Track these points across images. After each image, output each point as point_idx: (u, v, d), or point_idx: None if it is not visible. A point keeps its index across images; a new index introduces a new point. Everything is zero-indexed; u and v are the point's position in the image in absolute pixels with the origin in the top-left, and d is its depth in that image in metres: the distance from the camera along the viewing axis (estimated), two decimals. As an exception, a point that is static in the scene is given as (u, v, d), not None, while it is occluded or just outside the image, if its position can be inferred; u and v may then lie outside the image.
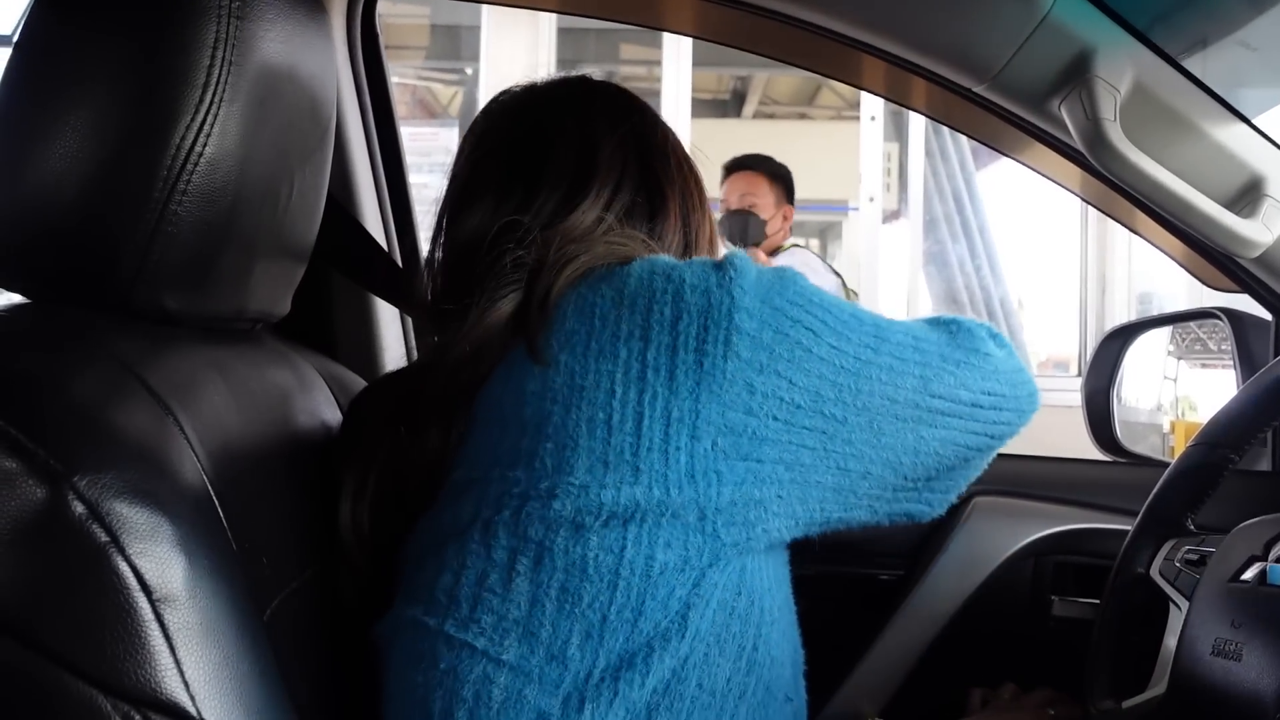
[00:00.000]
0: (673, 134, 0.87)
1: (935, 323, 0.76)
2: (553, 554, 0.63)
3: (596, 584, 0.62)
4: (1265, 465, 1.25)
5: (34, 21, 0.63)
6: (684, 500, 0.63)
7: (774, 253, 2.81)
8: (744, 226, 2.79)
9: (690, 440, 0.63)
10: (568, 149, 0.79)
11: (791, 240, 2.92)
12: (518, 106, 0.85)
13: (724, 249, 2.56)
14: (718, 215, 2.77)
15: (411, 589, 0.68)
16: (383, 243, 1.16)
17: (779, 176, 2.86)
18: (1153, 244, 1.15)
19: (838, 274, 2.85)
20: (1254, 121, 0.91)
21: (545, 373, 0.65)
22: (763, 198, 2.82)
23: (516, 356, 0.68)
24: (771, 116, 6.73)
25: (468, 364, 0.69)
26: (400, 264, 1.21)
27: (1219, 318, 1.26)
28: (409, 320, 1.21)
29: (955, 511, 1.28)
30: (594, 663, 0.63)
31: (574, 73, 0.87)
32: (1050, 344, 5.39)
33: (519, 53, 4.31)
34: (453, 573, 0.65)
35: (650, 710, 0.63)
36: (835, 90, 6.00)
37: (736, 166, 2.88)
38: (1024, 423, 0.79)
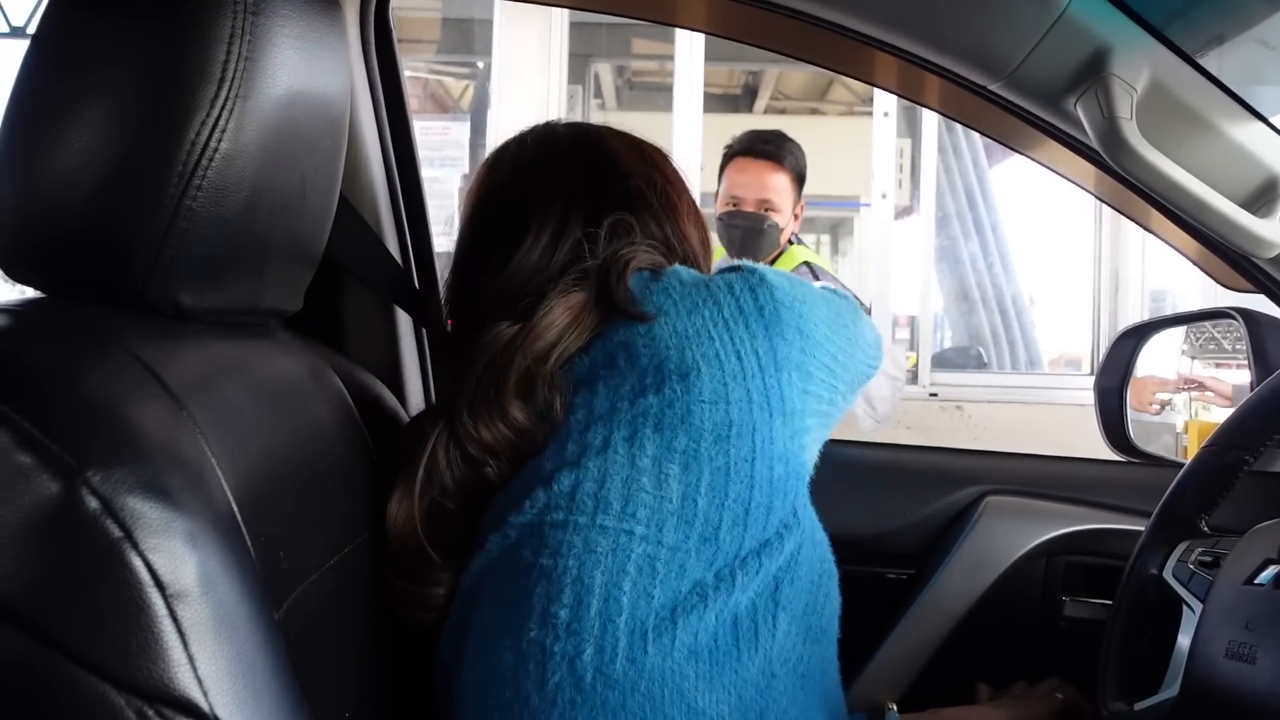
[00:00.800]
0: (634, 157, 0.92)
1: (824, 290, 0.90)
2: (699, 459, 0.73)
3: (739, 485, 0.74)
4: (1280, 467, 1.25)
5: (50, 15, 0.63)
6: (779, 424, 0.76)
7: (774, 259, 2.24)
8: (757, 237, 2.18)
9: (776, 371, 0.77)
10: (507, 205, 0.89)
11: (797, 244, 2.33)
12: (487, 171, 0.95)
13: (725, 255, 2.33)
14: (713, 211, 2.23)
15: (540, 503, 0.75)
16: (394, 240, 1.16)
17: (801, 175, 2.25)
18: (1167, 243, 1.15)
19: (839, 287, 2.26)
20: (1271, 120, 0.91)
21: (650, 329, 0.77)
22: (783, 199, 2.20)
23: (611, 327, 0.79)
24: (783, 111, 6.72)
25: (555, 346, 0.79)
26: (413, 261, 1.21)
27: (1234, 318, 1.25)
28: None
29: (967, 511, 1.27)
30: (741, 545, 0.73)
31: (542, 123, 0.96)
32: (1062, 342, 5.37)
33: (531, 47, 4.31)
34: (595, 481, 0.74)
35: (777, 582, 0.74)
36: (847, 85, 6.00)
37: (749, 153, 2.24)
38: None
